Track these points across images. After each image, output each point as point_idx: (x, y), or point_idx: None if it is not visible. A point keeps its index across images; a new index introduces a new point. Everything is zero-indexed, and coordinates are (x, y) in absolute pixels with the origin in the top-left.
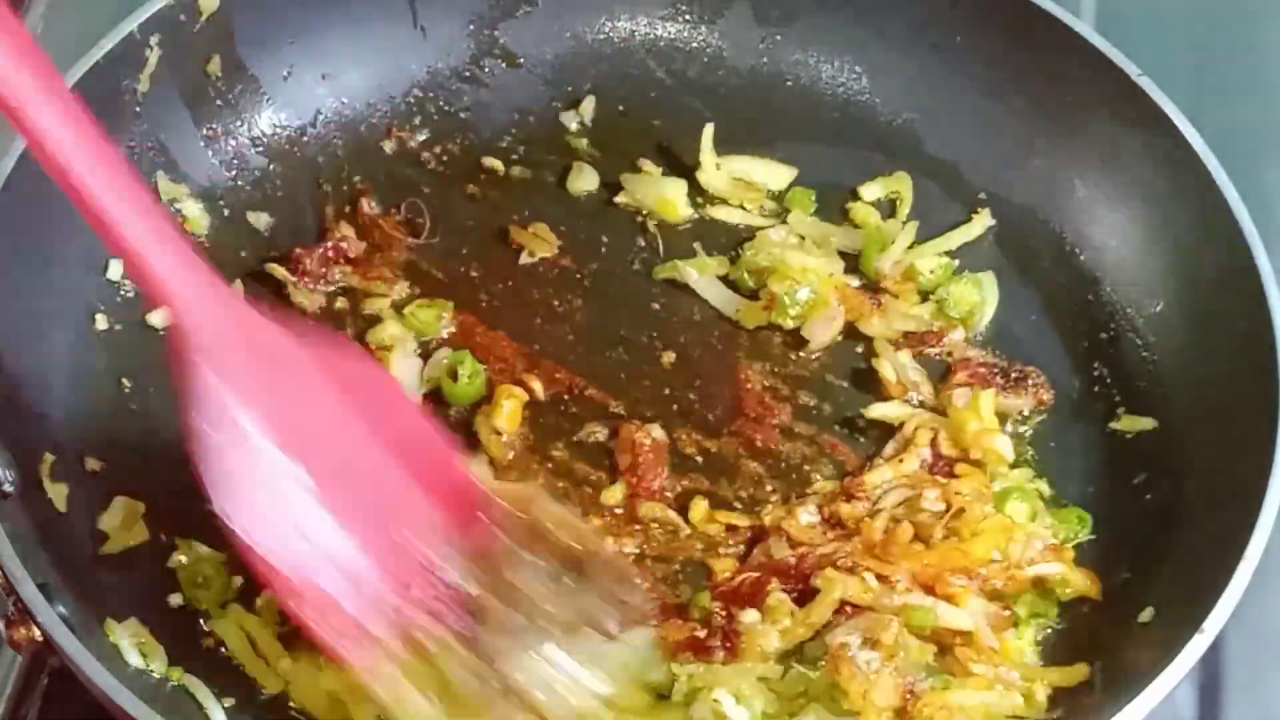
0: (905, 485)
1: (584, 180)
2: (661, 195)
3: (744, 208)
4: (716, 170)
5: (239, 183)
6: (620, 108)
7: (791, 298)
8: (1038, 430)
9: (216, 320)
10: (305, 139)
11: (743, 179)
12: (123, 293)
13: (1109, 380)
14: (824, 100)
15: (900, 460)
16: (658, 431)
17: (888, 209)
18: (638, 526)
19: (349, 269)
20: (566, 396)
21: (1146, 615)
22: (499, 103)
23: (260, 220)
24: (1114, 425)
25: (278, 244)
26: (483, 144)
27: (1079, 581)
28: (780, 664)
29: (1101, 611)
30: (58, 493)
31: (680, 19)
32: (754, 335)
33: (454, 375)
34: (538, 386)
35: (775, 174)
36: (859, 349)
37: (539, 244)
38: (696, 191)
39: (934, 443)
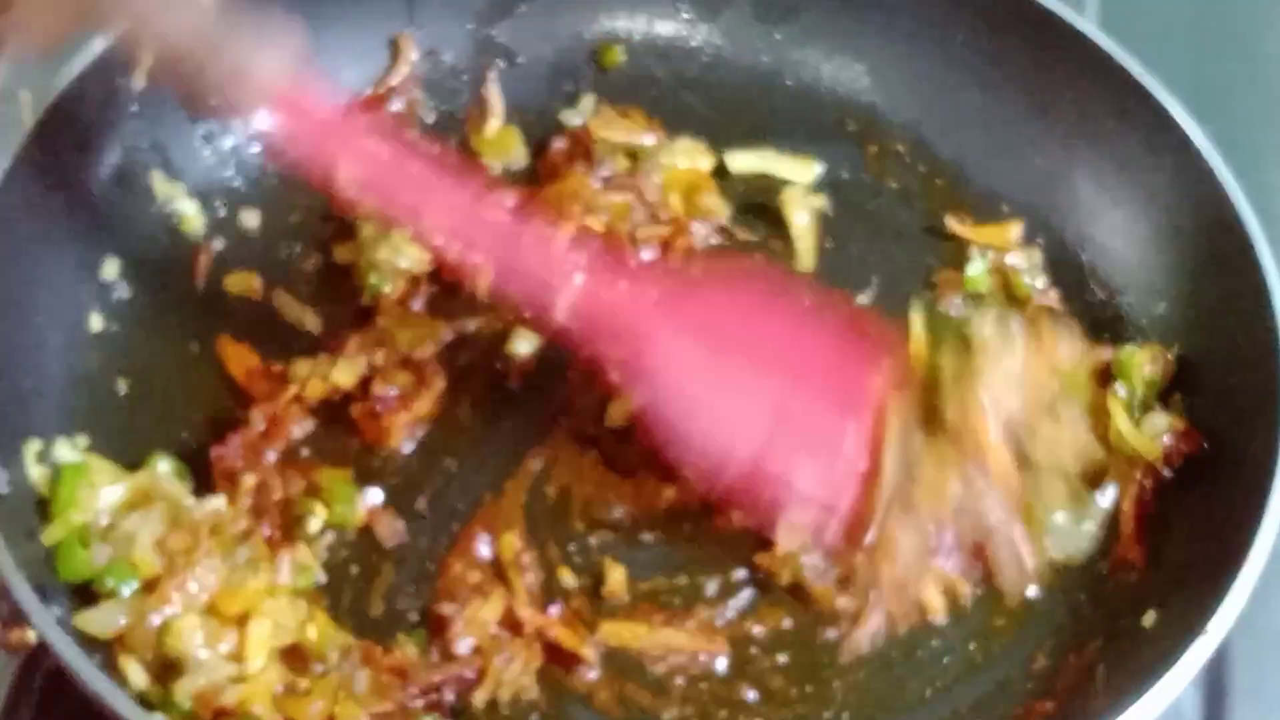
0: None
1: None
2: None
3: None
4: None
5: (236, 183)
6: (620, 107)
7: None
8: None
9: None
10: None
11: (764, 174)
12: (117, 293)
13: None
14: (824, 100)
15: None
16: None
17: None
18: None
19: None
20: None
21: (1150, 618)
22: None
23: (255, 219)
24: None
25: (274, 244)
26: None
27: None
28: None
29: (1105, 614)
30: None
31: (680, 18)
32: None
33: None
34: None
35: (797, 170)
36: None
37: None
38: None
39: None
